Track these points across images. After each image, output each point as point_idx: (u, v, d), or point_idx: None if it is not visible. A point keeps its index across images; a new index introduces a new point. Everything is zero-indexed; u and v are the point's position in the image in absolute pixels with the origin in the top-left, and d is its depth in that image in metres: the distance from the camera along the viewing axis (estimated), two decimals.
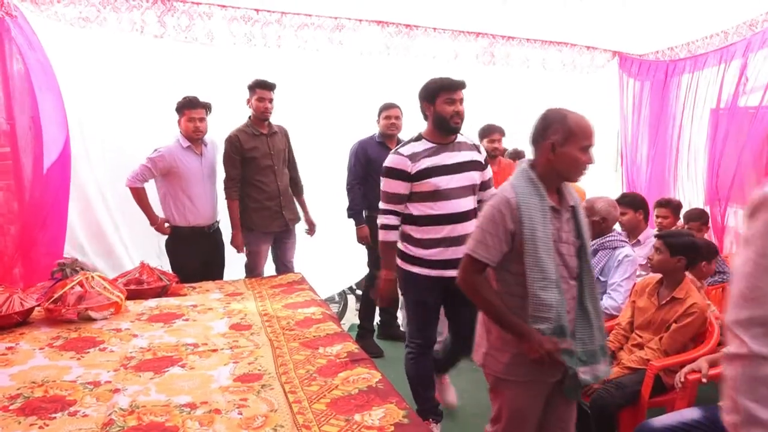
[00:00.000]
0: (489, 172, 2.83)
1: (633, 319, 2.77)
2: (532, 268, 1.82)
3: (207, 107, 3.73)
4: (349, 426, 1.80)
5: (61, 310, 2.79)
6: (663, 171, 5.27)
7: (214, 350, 2.47)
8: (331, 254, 4.50)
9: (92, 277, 3.02)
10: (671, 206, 4.07)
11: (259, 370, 2.26)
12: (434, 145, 2.66)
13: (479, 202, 2.77)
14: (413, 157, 2.62)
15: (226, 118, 3.90)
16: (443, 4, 4.40)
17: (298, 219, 4.05)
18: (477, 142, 2.84)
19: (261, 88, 3.76)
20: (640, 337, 2.69)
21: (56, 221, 3.76)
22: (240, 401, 1.97)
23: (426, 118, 2.70)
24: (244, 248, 3.90)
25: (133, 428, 1.79)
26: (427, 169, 2.61)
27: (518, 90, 5.13)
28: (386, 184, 2.68)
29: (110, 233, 4.16)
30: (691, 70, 4.97)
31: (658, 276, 2.75)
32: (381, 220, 2.71)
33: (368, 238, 4.00)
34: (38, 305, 2.88)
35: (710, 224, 4.28)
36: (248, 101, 3.81)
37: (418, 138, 2.71)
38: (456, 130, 2.67)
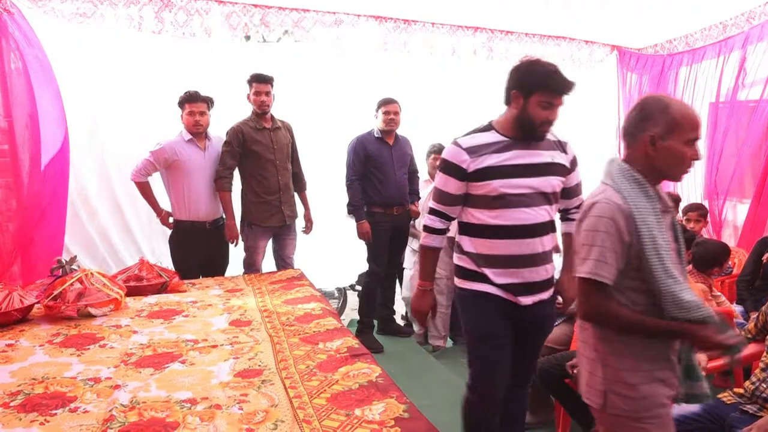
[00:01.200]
0: (577, 177, 2.27)
1: None
2: (663, 279, 1.54)
3: (209, 101, 3.72)
4: (350, 420, 1.80)
5: (61, 307, 2.78)
6: None
7: (214, 346, 2.47)
8: (330, 250, 4.51)
9: (92, 273, 3.01)
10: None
11: (259, 365, 2.26)
12: (506, 139, 2.11)
13: (562, 212, 2.32)
14: (473, 151, 2.09)
15: (227, 114, 3.90)
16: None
17: (296, 216, 4.05)
18: (562, 137, 2.23)
19: (257, 82, 3.75)
20: None
21: (55, 218, 3.76)
22: (240, 397, 1.97)
23: (507, 103, 2.13)
24: (243, 243, 3.90)
25: (133, 424, 1.79)
26: (488, 169, 2.08)
27: None
28: (438, 179, 2.20)
29: (111, 230, 4.17)
30: (690, 63, 4.97)
31: None
32: (425, 220, 2.25)
33: (369, 234, 4.01)
34: (38, 302, 2.88)
35: (709, 218, 4.29)
36: (248, 96, 3.81)
37: (487, 127, 2.16)
38: (540, 139, 2.13)
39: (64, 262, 3.04)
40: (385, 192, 4.00)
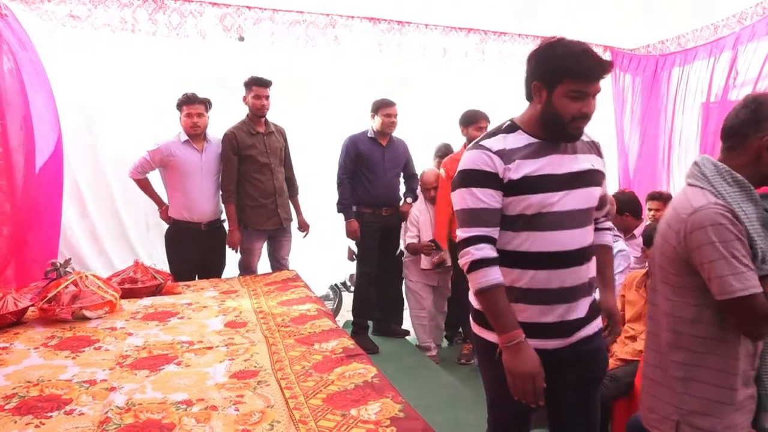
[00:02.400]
0: (605, 185, 1.85)
1: (624, 312, 2.80)
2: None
3: (206, 103, 3.73)
4: (346, 421, 1.81)
5: (56, 310, 2.78)
6: (655, 164, 5.30)
7: (210, 348, 2.47)
8: (324, 252, 4.51)
9: (86, 276, 3.01)
10: (662, 199, 4.11)
11: (254, 366, 2.26)
12: (537, 141, 1.68)
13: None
14: (506, 156, 1.65)
15: (222, 116, 3.90)
16: (434, 1, 4.41)
17: (291, 218, 4.05)
18: (594, 136, 1.84)
19: (258, 86, 3.76)
20: (632, 329, 2.72)
21: (50, 221, 3.75)
22: (236, 398, 1.97)
23: (529, 98, 1.72)
24: (238, 246, 3.90)
25: (129, 426, 1.79)
26: (525, 180, 1.64)
27: (511, 86, 5.13)
28: (467, 197, 1.66)
29: (104, 233, 4.16)
30: (682, 64, 5.00)
31: (644, 269, 2.78)
32: (471, 255, 1.64)
33: (357, 232, 4.04)
34: (32, 305, 2.87)
35: None
36: (245, 98, 3.81)
37: (512, 127, 1.72)
38: (574, 139, 1.71)
39: (58, 264, 3.03)
40: (373, 192, 4.02)
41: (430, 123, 4.82)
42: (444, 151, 4.34)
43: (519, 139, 1.68)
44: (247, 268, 3.97)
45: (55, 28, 3.77)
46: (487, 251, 1.63)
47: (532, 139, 1.68)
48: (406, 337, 4.33)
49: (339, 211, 4.08)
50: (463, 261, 1.66)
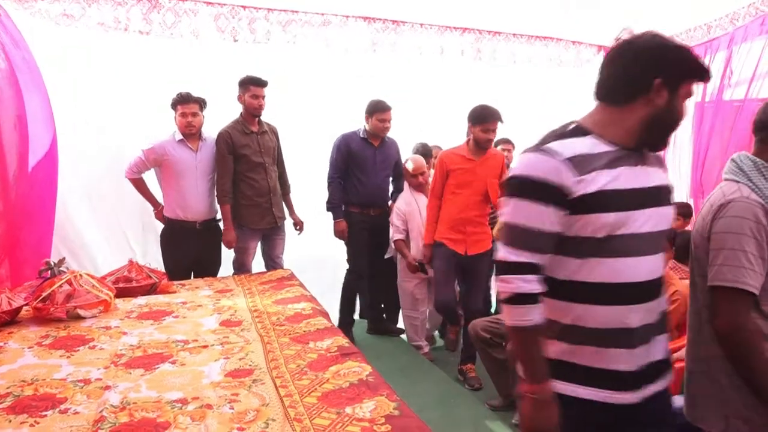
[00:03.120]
0: None
1: None
2: None
3: (201, 102, 3.73)
4: (341, 419, 1.81)
5: (50, 309, 2.77)
6: None
7: (205, 346, 2.47)
8: (318, 250, 4.48)
9: (80, 275, 3.01)
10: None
11: (250, 365, 2.27)
12: (614, 149, 1.37)
13: None
14: (581, 165, 1.33)
15: (216, 115, 3.89)
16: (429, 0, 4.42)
17: (285, 217, 4.06)
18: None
19: (255, 85, 3.76)
20: None
21: (43, 220, 3.74)
22: (231, 396, 1.98)
23: (632, 97, 1.38)
24: (234, 245, 3.90)
25: (124, 424, 1.79)
26: (601, 195, 1.33)
27: (506, 85, 5.15)
28: (523, 211, 1.35)
29: (99, 231, 4.15)
30: None
31: None
32: (516, 286, 1.35)
33: (345, 232, 4.04)
34: (26, 304, 2.86)
35: (693, 217, 4.35)
36: (240, 97, 3.80)
37: (580, 130, 1.41)
38: (665, 147, 1.49)
39: (52, 263, 3.02)
40: (363, 192, 4.02)
41: (424, 122, 4.82)
42: (422, 151, 4.28)
43: (593, 145, 1.36)
44: (241, 267, 3.98)
45: (48, 26, 3.76)
46: (534, 285, 1.35)
47: (610, 147, 1.37)
48: (401, 336, 4.33)
49: (328, 210, 4.08)
50: (505, 289, 1.36)
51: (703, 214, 1.55)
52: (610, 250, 1.35)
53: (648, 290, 1.40)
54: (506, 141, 4.62)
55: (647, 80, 1.35)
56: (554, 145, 1.35)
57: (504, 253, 1.37)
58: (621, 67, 1.39)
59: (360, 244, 4.11)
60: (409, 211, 4.03)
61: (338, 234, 4.08)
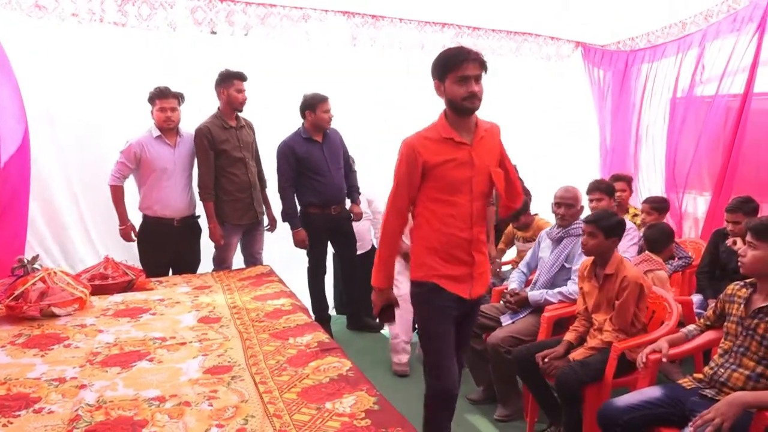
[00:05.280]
0: None
1: (587, 305, 2.83)
2: None
3: (179, 97, 3.67)
4: (320, 414, 1.81)
5: (23, 307, 2.72)
6: (625, 158, 5.39)
7: (183, 343, 2.45)
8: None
9: (55, 272, 2.96)
10: (626, 180, 4.25)
11: (228, 362, 2.25)
12: None
13: None
14: None
15: (193, 110, 3.84)
16: None
17: (264, 212, 4.03)
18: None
19: (239, 79, 3.73)
20: (597, 320, 2.76)
21: (16, 216, 3.66)
22: (210, 393, 1.96)
23: None
24: (222, 240, 3.85)
25: (100, 423, 1.76)
26: None
27: (488, 79, 5.17)
28: None
29: (74, 228, 4.08)
30: (651, 60, 5.09)
31: (592, 258, 2.81)
32: None
33: (306, 241, 3.90)
34: None
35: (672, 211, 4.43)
36: (223, 92, 3.74)
37: None
38: None
39: (25, 261, 2.96)
40: (324, 191, 3.88)
41: (404, 117, 4.81)
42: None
43: None
44: (222, 263, 3.95)
45: (20, 19, 3.67)
46: None
47: None
48: (381, 331, 4.33)
49: (284, 220, 3.94)
50: None
51: None
52: None
53: None
54: None
55: None
56: None
57: None
58: None
59: (321, 246, 4.04)
60: (371, 192, 3.78)
61: (299, 244, 3.94)
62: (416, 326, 3.49)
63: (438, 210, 2.17)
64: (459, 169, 2.13)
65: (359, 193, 4.15)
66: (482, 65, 2.14)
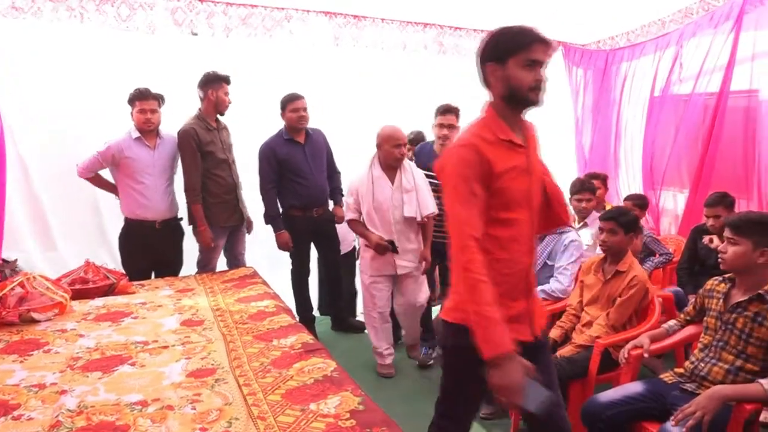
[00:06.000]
0: None
1: (582, 298, 2.86)
2: None
3: (159, 99, 3.63)
4: (305, 415, 1.80)
5: (2, 313, 2.67)
6: (605, 156, 5.45)
7: (165, 347, 2.43)
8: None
9: (34, 277, 2.91)
10: (600, 178, 4.30)
11: (212, 364, 2.24)
12: None
13: None
14: None
15: (175, 111, 3.80)
16: None
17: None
18: None
19: (227, 83, 3.72)
20: (589, 314, 2.79)
21: None
22: (193, 396, 1.95)
23: None
24: (198, 243, 3.82)
25: (81, 429, 1.74)
26: None
27: (470, 78, 5.19)
28: None
29: (53, 232, 4.02)
30: (630, 59, 5.15)
31: (601, 255, 2.86)
32: None
33: (289, 243, 3.84)
34: None
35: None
36: (211, 93, 3.69)
37: None
38: None
39: (4, 265, 2.92)
40: (305, 194, 3.80)
41: (387, 117, 4.81)
42: (414, 140, 4.08)
43: None
44: (206, 265, 3.90)
45: None
46: None
47: None
48: (366, 331, 4.31)
49: (267, 222, 3.89)
50: None
51: None
52: None
53: None
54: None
55: None
56: None
57: None
58: None
59: (304, 248, 4.00)
60: (359, 186, 3.46)
61: (282, 246, 3.87)
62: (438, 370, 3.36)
63: (499, 234, 1.63)
64: (519, 179, 1.66)
65: (342, 195, 4.09)
66: (551, 51, 1.70)
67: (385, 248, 3.38)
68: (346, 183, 4.21)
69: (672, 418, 1.95)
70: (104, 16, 3.87)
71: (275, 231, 3.87)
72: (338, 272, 4.20)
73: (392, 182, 3.39)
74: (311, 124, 3.96)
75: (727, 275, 2.27)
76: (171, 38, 4.11)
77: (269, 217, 3.87)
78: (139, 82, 3.63)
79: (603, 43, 5.52)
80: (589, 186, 3.75)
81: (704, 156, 4.15)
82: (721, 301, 2.19)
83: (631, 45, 5.15)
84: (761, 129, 3.94)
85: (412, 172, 3.43)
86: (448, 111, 3.67)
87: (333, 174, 4.06)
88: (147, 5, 3.97)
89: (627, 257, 2.77)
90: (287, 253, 4.00)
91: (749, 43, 3.95)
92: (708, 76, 4.22)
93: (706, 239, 3.46)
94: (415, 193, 3.38)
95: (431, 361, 3.69)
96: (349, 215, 3.52)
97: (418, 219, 3.41)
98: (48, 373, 2.17)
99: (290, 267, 4.07)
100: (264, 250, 4.30)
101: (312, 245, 4.10)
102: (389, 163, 3.38)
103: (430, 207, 3.44)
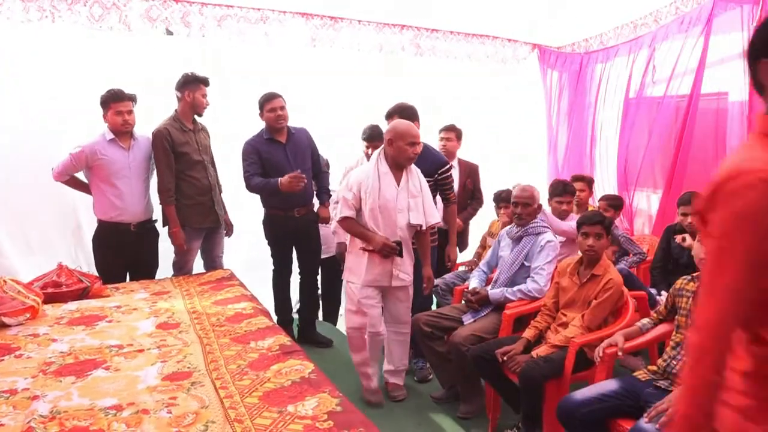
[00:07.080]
0: None
1: (557, 299, 2.90)
2: None
3: (133, 99, 3.59)
4: (282, 417, 1.80)
5: None
6: (581, 157, 5.52)
7: (140, 350, 2.40)
8: (257, 251, 4.33)
9: (5, 281, 2.85)
10: (586, 180, 4.35)
11: (188, 367, 2.21)
12: None
13: None
14: None
15: (150, 110, 3.76)
16: None
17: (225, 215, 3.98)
18: None
19: (206, 85, 3.69)
20: (565, 315, 2.83)
21: None
22: (169, 400, 1.93)
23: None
24: (174, 246, 3.78)
25: None
26: None
27: (448, 80, 5.22)
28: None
29: (23, 234, 3.94)
30: (604, 61, 5.23)
31: (578, 256, 2.90)
32: None
33: (299, 181, 3.56)
34: None
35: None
36: (188, 94, 3.66)
37: None
38: None
39: None
40: (287, 195, 3.64)
41: (364, 118, 4.82)
42: (369, 134, 3.95)
43: None
44: (182, 268, 3.86)
45: None
46: None
47: None
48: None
49: (259, 191, 3.74)
50: None
51: None
52: None
53: None
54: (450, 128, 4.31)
55: None
56: None
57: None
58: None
59: (284, 248, 3.95)
60: (363, 181, 3.10)
61: (288, 186, 3.56)
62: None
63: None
64: None
65: (329, 195, 4.04)
66: None
67: (393, 250, 3.04)
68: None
69: (645, 414, 1.99)
70: (77, 15, 3.80)
71: (272, 187, 3.63)
72: (314, 277, 4.13)
73: (398, 183, 3.10)
74: (291, 124, 3.92)
75: (695, 274, 2.32)
76: (146, 38, 4.06)
77: (260, 188, 3.71)
78: (113, 83, 3.58)
79: (577, 45, 5.59)
80: (571, 190, 3.79)
81: (677, 157, 4.23)
82: (690, 299, 2.24)
83: (604, 48, 5.23)
84: (730, 130, 4.03)
85: (419, 177, 3.16)
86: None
87: (319, 173, 3.99)
88: (121, 4, 3.92)
89: (603, 260, 2.81)
90: (268, 255, 3.98)
91: (719, 47, 4.04)
92: (680, 78, 4.30)
93: (678, 238, 3.53)
94: (422, 199, 3.13)
95: (431, 375, 3.48)
96: (345, 212, 3.11)
97: (423, 228, 3.16)
98: (19, 378, 2.12)
99: (272, 268, 4.04)
100: (242, 253, 4.27)
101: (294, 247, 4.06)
102: (399, 162, 3.06)
103: (436, 216, 3.21)
